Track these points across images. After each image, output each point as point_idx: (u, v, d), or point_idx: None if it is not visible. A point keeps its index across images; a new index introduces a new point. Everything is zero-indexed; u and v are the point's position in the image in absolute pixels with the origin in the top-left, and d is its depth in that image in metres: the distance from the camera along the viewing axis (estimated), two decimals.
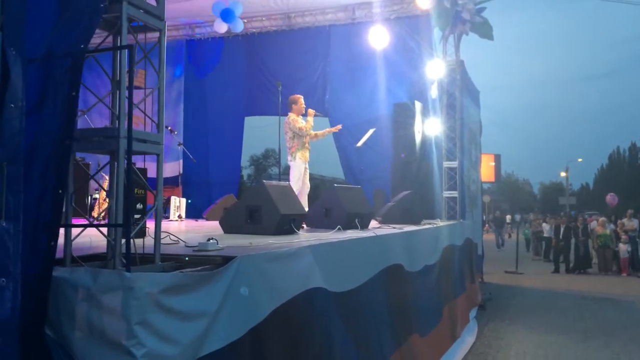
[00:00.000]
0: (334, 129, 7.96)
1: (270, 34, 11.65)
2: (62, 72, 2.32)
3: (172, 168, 11.39)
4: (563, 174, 52.12)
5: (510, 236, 27.95)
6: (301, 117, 7.56)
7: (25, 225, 2.19)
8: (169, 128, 9.82)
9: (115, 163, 2.42)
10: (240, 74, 11.98)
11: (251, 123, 12.76)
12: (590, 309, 9.98)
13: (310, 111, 7.57)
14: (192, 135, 11.76)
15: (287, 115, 7.71)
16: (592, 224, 17.37)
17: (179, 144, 10.25)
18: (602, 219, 17.28)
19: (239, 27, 10.65)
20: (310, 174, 7.95)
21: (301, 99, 7.60)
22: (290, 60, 11.53)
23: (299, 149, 7.39)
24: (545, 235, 19.36)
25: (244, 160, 48.77)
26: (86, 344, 2.17)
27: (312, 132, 7.63)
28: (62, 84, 2.31)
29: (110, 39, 2.62)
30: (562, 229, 16.56)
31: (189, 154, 9.96)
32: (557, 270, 15.76)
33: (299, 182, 7.34)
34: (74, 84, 2.29)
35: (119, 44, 2.46)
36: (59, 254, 2.37)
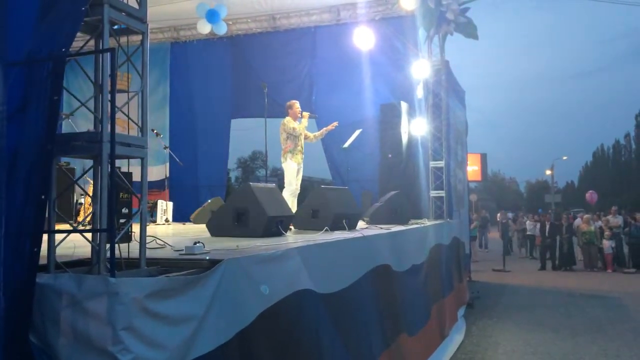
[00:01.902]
0: (330, 127, 8.05)
1: (256, 36, 11.63)
2: (43, 75, 2.30)
3: (159, 171, 11.31)
4: (548, 172, 52.59)
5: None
6: (297, 121, 7.77)
7: (8, 231, 2.16)
8: (155, 131, 9.75)
9: (99, 167, 2.40)
10: (226, 76, 11.93)
11: (238, 125, 12.74)
12: (577, 306, 10.08)
13: (305, 113, 7.78)
14: (178, 138, 11.68)
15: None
16: (575, 221, 17.52)
17: (165, 147, 10.18)
18: (586, 216, 17.45)
19: (222, 29, 10.61)
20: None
21: (297, 104, 7.84)
22: (276, 61, 11.51)
23: (290, 150, 7.58)
24: (528, 233, 19.47)
25: (232, 163, 48.75)
26: (71, 351, 2.14)
27: (310, 135, 7.85)
28: (44, 88, 2.29)
29: (92, 42, 2.60)
30: (547, 227, 16.69)
31: (175, 157, 9.90)
32: (543, 268, 15.90)
33: (292, 183, 7.47)
34: (55, 88, 2.27)
35: (100, 48, 2.44)
36: (43, 260, 2.35)
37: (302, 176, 7.87)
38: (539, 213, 21.19)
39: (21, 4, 2.34)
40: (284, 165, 7.61)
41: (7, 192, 2.16)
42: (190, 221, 9.08)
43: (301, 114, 7.80)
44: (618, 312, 9.57)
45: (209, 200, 9.24)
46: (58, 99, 2.27)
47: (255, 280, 2.89)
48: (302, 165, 7.72)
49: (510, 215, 27.25)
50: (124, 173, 3.05)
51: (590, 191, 32.08)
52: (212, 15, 10.26)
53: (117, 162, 2.45)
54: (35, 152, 2.24)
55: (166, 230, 6.93)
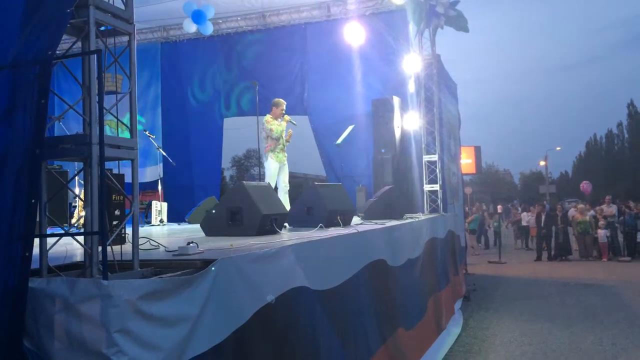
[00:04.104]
0: (288, 137, 7.99)
1: (246, 34, 11.60)
2: (30, 79, 2.28)
3: (152, 172, 11.27)
4: (542, 163, 52.76)
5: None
6: (278, 120, 7.79)
7: None
8: (147, 132, 9.72)
9: (89, 170, 2.39)
10: (217, 74, 11.91)
11: (231, 124, 12.70)
12: (573, 295, 10.13)
13: (286, 117, 7.73)
14: (171, 138, 11.67)
15: (266, 115, 7.84)
16: (570, 211, 17.58)
17: (158, 148, 10.15)
18: (580, 206, 17.51)
19: (209, 30, 10.56)
20: (293, 173, 8.07)
21: (282, 105, 7.86)
22: (268, 59, 11.49)
23: (271, 149, 7.62)
24: (523, 224, 19.49)
25: (226, 162, 48.61)
26: (66, 355, 2.14)
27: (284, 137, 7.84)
28: (31, 91, 2.27)
29: (80, 44, 2.58)
30: (542, 217, 16.74)
31: (168, 157, 9.87)
32: (539, 258, 15.96)
33: (272, 182, 7.50)
34: (42, 91, 2.25)
35: (87, 49, 2.43)
36: (36, 264, 2.34)
37: (297, 172, 7.89)
38: (515, 204, 21.22)
39: (5, 7, 2.32)
40: (265, 164, 7.62)
41: None
42: (185, 221, 9.07)
43: (283, 117, 7.82)
44: (613, 300, 9.62)
45: (204, 200, 9.24)
46: (45, 102, 2.25)
47: (250, 279, 2.89)
48: (285, 163, 7.75)
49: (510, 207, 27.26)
50: (115, 175, 3.04)
51: (585, 182, 32.27)
52: (198, 16, 10.20)
53: (109, 164, 2.44)
54: (23, 156, 2.23)
55: (161, 231, 6.91)
